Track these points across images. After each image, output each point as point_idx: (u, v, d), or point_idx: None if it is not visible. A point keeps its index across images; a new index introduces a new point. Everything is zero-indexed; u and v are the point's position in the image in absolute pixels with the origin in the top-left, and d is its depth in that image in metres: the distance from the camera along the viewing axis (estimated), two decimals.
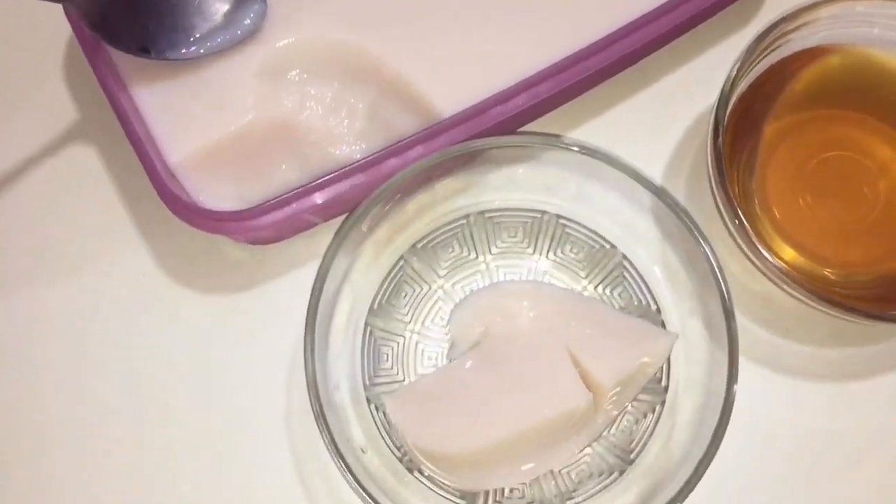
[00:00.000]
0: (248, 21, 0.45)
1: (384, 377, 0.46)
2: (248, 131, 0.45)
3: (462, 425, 0.43)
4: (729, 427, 0.42)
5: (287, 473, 0.46)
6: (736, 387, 0.41)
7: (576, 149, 0.45)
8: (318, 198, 0.43)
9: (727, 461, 0.45)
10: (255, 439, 0.47)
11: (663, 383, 0.46)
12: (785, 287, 0.44)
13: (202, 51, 0.45)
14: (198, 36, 0.45)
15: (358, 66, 0.46)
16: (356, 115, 0.47)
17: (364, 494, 0.40)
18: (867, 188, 0.47)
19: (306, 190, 0.43)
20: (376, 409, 0.45)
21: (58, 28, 0.50)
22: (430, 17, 0.46)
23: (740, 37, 0.52)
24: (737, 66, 0.44)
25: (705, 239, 0.43)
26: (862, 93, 0.48)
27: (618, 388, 0.44)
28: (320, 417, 0.41)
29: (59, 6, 0.45)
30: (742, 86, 0.46)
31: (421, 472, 0.45)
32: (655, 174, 0.50)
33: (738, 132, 0.47)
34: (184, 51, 0.45)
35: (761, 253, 0.43)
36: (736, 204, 0.43)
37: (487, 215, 0.48)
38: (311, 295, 0.42)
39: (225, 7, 0.46)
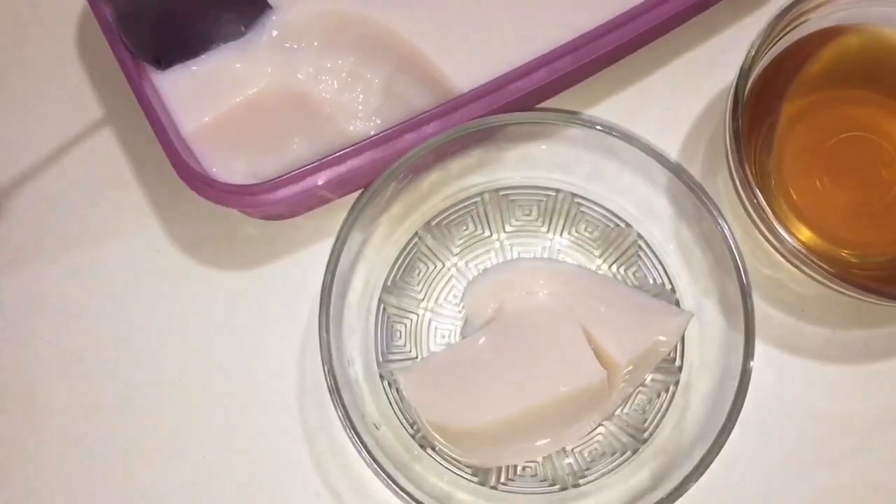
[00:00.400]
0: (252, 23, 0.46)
1: (397, 354, 0.46)
2: (259, 100, 0.45)
3: (475, 400, 0.43)
4: (743, 407, 0.42)
5: (300, 448, 0.46)
6: (752, 365, 0.41)
7: (593, 126, 0.44)
8: (333, 172, 0.43)
9: (740, 442, 0.45)
10: (270, 414, 0.47)
11: (677, 363, 0.46)
12: (803, 268, 0.44)
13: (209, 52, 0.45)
14: (204, 44, 0.45)
15: (374, 40, 0.46)
16: (371, 91, 0.47)
17: (378, 469, 0.40)
18: (884, 169, 0.47)
19: (321, 164, 0.43)
20: (389, 385, 0.45)
21: (72, 3, 0.50)
22: None
23: (756, 17, 0.51)
24: (756, 46, 0.44)
25: (722, 217, 0.43)
26: (880, 73, 0.48)
27: (631, 367, 0.44)
28: (335, 391, 0.41)
29: None
30: (760, 65, 0.46)
31: (434, 449, 0.44)
32: (671, 153, 0.50)
33: (755, 112, 0.46)
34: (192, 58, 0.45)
35: (779, 233, 0.43)
36: (754, 183, 0.43)
37: (502, 193, 0.48)
38: (326, 271, 0.42)
39: (230, 15, 0.45)
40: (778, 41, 0.46)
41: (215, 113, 0.45)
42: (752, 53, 0.44)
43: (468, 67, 0.45)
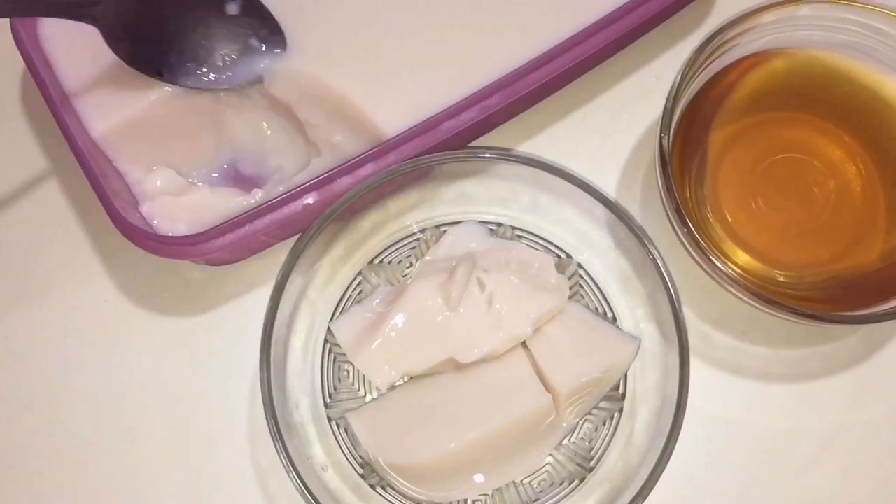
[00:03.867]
0: (263, 64, 0.47)
1: (345, 394, 0.47)
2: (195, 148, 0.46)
3: (429, 434, 0.44)
4: (689, 429, 0.43)
5: (252, 492, 0.47)
6: (688, 391, 0.42)
7: (525, 162, 0.45)
8: (271, 219, 0.44)
9: (688, 463, 0.46)
10: (220, 459, 0.47)
11: (621, 390, 0.46)
12: (734, 291, 0.44)
13: (213, 81, 0.47)
14: (212, 69, 0.46)
15: (308, 93, 0.47)
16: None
17: None
18: (817, 189, 0.48)
19: (259, 211, 0.43)
20: (337, 426, 0.46)
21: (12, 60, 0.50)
22: (376, 39, 0.47)
23: (688, 43, 0.52)
24: (680, 75, 0.45)
25: (654, 246, 0.44)
26: (808, 95, 0.49)
27: (578, 394, 0.45)
28: (277, 438, 0.41)
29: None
30: (689, 93, 0.47)
31: (384, 488, 0.45)
32: (610, 182, 0.51)
33: (687, 139, 0.47)
34: (197, 80, 0.46)
35: (710, 260, 0.43)
36: (685, 212, 0.43)
37: (442, 229, 0.48)
38: (266, 315, 0.43)
39: (241, 46, 0.47)
40: (705, 68, 0.47)
41: (159, 159, 0.47)
42: (677, 83, 0.45)
43: (398, 113, 0.45)
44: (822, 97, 0.48)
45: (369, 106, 0.45)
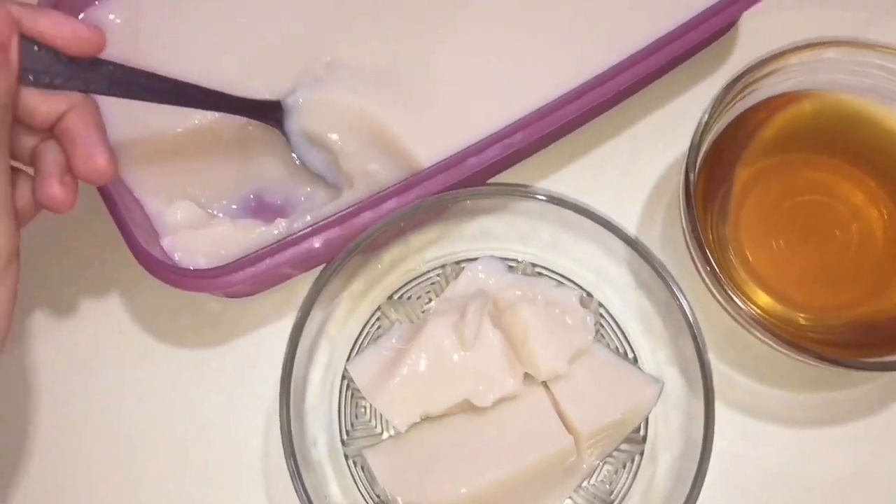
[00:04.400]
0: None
1: (362, 431, 0.46)
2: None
3: (448, 474, 0.43)
4: (708, 472, 0.42)
5: None
6: (713, 438, 0.41)
7: (547, 199, 0.45)
8: (292, 253, 0.43)
9: None
10: (234, 494, 0.47)
11: (642, 432, 0.46)
12: (756, 333, 0.44)
13: None
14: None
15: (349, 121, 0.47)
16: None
17: None
18: (840, 232, 0.47)
19: (280, 246, 0.43)
20: (354, 463, 0.45)
21: None
22: (413, 68, 0.47)
23: (710, 82, 0.52)
24: (707, 114, 0.45)
25: (680, 290, 0.43)
26: (833, 137, 0.48)
27: (598, 436, 0.44)
28: (296, 477, 0.41)
29: None
30: (713, 132, 0.47)
31: None
32: (631, 219, 0.50)
33: (711, 178, 0.47)
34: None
35: (733, 300, 0.43)
36: (708, 252, 0.43)
37: (462, 265, 0.48)
38: (286, 352, 0.42)
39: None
40: (731, 108, 0.47)
41: (179, 191, 0.47)
42: (704, 122, 0.45)
43: (434, 143, 0.45)
44: (845, 140, 0.48)
45: (407, 135, 0.45)
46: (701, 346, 0.42)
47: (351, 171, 0.47)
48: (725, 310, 0.45)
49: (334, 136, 0.47)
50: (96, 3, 0.48)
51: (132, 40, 0.48)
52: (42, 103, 0.37)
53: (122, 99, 0.46)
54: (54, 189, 0.37)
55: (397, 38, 0.48)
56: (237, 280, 0.43)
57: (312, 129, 0.47)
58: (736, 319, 0.45)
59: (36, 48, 0.36)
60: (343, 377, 0.46)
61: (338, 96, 0.46)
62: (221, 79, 0.45)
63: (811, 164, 0.49)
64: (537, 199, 0.45)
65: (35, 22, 0.36)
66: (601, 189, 0.51)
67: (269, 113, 0.47)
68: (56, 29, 0.36)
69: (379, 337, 0.47)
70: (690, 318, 0.43)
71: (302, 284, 0.48)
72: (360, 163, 0.46)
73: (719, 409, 0.47)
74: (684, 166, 0.45)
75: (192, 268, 0.44)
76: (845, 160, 0.48)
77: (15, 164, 0.38)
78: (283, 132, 0.47)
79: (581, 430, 0.44)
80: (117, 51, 0.47)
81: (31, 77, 0.36)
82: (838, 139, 0.48)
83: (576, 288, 0.47)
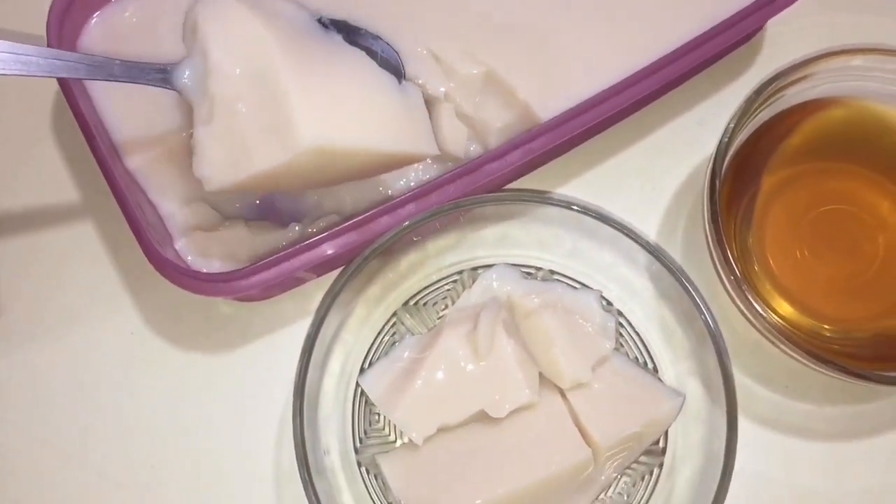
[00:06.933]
0: None
1: (376, 439, 0.45)
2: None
3: (463, 485, 0.42)
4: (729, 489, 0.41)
5: None
6: (735, 454, 0.41)
7: (566, 205, 0.44)
8: (308, 258, 0.42)
9: None
10: (245, 501, 0.46)
11: (661, 444, 0.45)
12: (780, 345, 0.43)
13: None
14: None
15: None
16: None
17: None
18: (866, 243, 0.47)
19: (296, 250, 0.42)
20: (367, 472, 0.44)
21: (45, 84, 0.49)
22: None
23: (732, 89, 0.51)
24: (734, 120, 0.44)
25: (702, 299, 0.42)
26: (860, 146, 0.47)
27: (618, 448, 0.43)
28: (309, 486, 0.40)
29: None
30: (739, 139, 0.46)
31: None
32: (651, 227, 0.50)
33: (735, 186, 0.46)
34: None
35: (757, 311, 0.42)
36: (733, 263, 0.42)
37: (479, 271, 0.47)
38: (300, 360, 0.42)
39: None
40: (757, 115, 0.46)
41: (193, 192, 0.46)
42: (731, 128, 0.44)
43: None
44: (873, 149, 0.47)
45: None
46: (724, 357, 0.41)
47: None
48: (749, 320, 0.44)
49: None
50: (112, 1, 0.48)
51: (149, 38, 0.47)
52: None
53: (136, 100, 0.46)
54: None
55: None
56: (251, 284, 0.42)
57: None
58: (759, 330, 0.44)
59: None
60: (357, 384, 0.45)
61: None
62: None
63: (838, 173, 0.48)
64: (557, 205, 0.44)
65: None
66: (621, 196, 0.50)
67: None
68: None
69: (393, 344, 0.46)
70: (713, 328, 0.42)
71: (316, 288, 0.48)
72: None
73: (741, 422, 0.46)
74: (709, 173, 0.44)
75: (205, 271, 0.43)
76: (872, 169, 0.47)
77: None
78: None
79: (599, 442, 0.43)
80: (134, 48, 0.47)
81: None
82: (865, 148, 0.47)
83: (595, 290, 0.46)
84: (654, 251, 0.43)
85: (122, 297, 0.49)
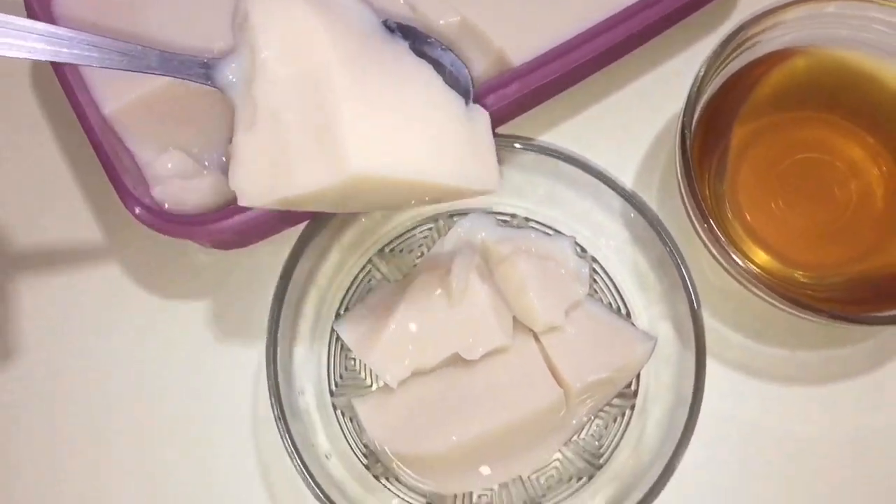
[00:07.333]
0: None
1: (351, 382, 0.46)
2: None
3: (438, 424, 0.43)
4: (701, 431, 0.42)
5: (254, 480, 0.46)
6: (703, 392, 0.41)
7: (542, 151, 0.44)
8: None
9: (699, 465, 0.45)
10: (223, 445, 0.46)
11: (633, 387, 0.45)
12: (754, 290, 0.43)
13: None
14: None
15: None
16: None
17: (325, 500, 0.40)
18: (838, 190, 0.47)
19: None
20: (343, 415, 0.45)
21: None
22: None
23: (709, 41, 0.51)
24: (703, 70, 0.44)
25: (674, 244, 0.43)
26: (831, 94, 0.48)
27: (590, 392, 0.44)
28: (281, 421, 0.40)
29: None
30: (711, 89, 0.46)
31: (388, 479, 0.44)
32: (628, 176, 0.50)
33: (708, 135, 0.47)
34: None
35: (730, 256, 0.42)
36: (705, 208, 0.43)
37: (455, 219, 0.47)
38: (274, 299, 0.42)
39: None
40: (728, 64, 0.46)
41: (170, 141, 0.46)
42: (700, 77, 0.44)
43: None
44: (845, 97, 0.48)
45: None
46: (693, 298, 0.42)
47: None
48: (722, 266, 0.44)
49: None
50: None
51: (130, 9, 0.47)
52: None
53: None
54: None
55: None
56: (225, 227, 0.43)
57: None
58: (733, 275, 0.44)
59: None
60: (333, 329, 0.46)
61: None
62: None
63: (810, 121, 0.48)
64: (533, 150, 0.45)
65: None
66: (598, 145, 0.50)
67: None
68: None
69: (369, 291, 0.47)
70: (684, 271, 0.42)
71: (293, 238, 0.48)
72: None
73: (714, 367, 0.47)
74: (680, 122, 0.44)
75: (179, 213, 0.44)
76: (844, 117, 0.47)
77: None
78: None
79: (572, 384, 0.43)
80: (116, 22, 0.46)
81: None
82: (837, 95, 0.48)
83: (568, 237, 0.47)
84: (629, 196, 0.44)
85: (101, 245, 0.49)
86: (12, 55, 0.35)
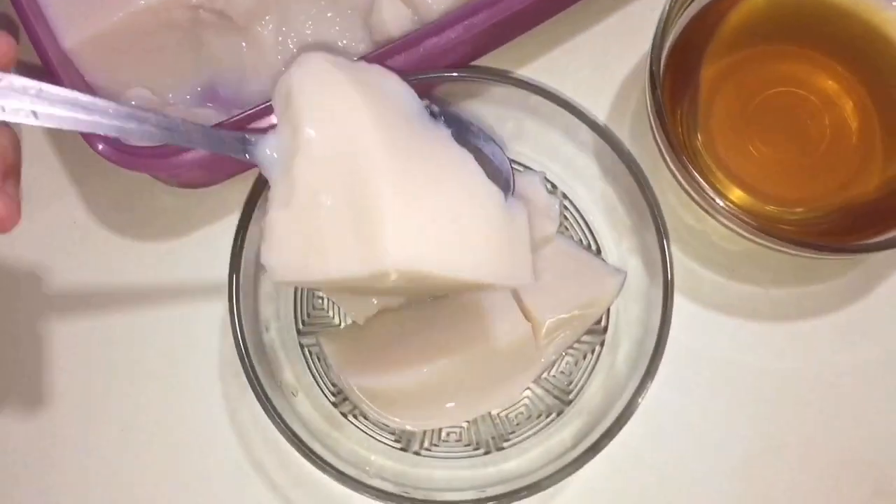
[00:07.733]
0: None
1: (319, 320, 0.45)
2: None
3: (405, 358, 0.43)
4: (673, 368, 0.42)
5: (222, 420, 0.46)
6: (670, 324, 0.40)
7: (512, 83, 0.43)
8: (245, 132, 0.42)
9: (671, 401, 0.45)
10: (190, 387, 0.46)
11: (603, 323, 0.45)
12: (729, 224, 0.43)
13: None
14: None
15: None
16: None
17: (291, 436, 0.39)
18: (812, 123, 0.46)
19: (230, 125, 0.42)
20: (310, 353, 0.44)
21: None
22: None
23: None
24: (668, 4, 0.43)
25: (643, 174, 0.42)
26: (802, 27, 0.47)
27: (560, 328, 0.43)
28: (245, 357, 0.40)
29: None
30: (680, 23, 0.45)
31: (355, 416, 0.44)
32: (600, 113, 0.49)
33: (679, 71, 0.46)
34: None
35: (703, 190, 0.42)
36: (678, 145, 0.42)
37: None
38: (236, 233, 0.41)
39: None
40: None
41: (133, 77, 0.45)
42: (666, 12, 0.43)
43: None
44: (816, 29, 0.47)
45: None
46: (661, 227, 0.41)
47: None
48: (694, 200, 0.44)
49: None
50: None
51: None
52: None
53: None
54: None
55: None
56: (188, 161, 0.42)
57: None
58: (707, 211, 0.43)
59: None
60: None
61: None
62: None
63: (781, 55, 0.47)
64: (502, 83, 0.44)
65: None
66: (568, 84, 0.49)
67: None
68: None
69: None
70: (653, 203, 0.42)
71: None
72: None
73: (686, 305, 0.47)
74: (648, 59, 0.43)
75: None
76: (816, 50, 0.47)
77: None
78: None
79: (541, 320, 0.43)
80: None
81: None
82: (808, 28, 0.47)
83: (538, 172, 0.46)
84: (599, 129, 0.43)
85: (65, 187, 0.48)
86: (53, 125, 0.34)
